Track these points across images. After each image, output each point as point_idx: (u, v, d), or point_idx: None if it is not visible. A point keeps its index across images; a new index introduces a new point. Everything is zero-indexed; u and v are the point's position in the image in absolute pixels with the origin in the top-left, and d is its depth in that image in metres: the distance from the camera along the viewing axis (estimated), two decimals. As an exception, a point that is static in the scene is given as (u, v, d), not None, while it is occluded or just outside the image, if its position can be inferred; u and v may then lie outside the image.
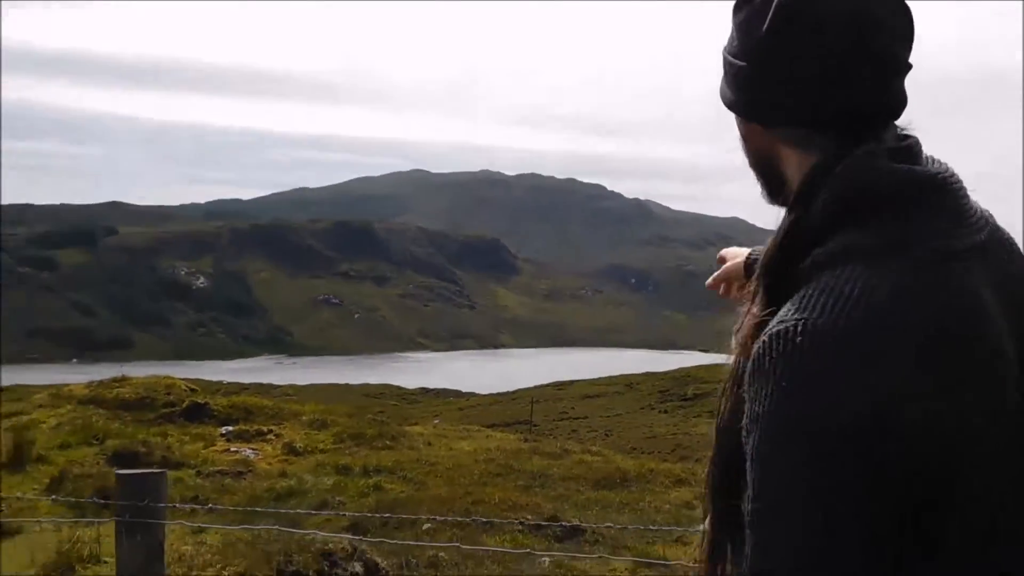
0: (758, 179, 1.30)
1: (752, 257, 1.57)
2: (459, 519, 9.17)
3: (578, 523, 9.57)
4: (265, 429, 13.80)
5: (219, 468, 11.64)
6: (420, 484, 11.18)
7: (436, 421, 21.34)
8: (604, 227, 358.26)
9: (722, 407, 1.20)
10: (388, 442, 13.78)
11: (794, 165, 1.20)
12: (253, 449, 12.87)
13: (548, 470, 12.22)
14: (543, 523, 9.53)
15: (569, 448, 14.72)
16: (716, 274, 1.68)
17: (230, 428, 13.67)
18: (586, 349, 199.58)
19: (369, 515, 9.70)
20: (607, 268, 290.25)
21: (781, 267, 1.15)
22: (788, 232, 1.14)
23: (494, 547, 8.57)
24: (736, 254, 1.67)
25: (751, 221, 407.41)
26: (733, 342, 1.23)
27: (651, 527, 9.20)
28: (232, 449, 12.81)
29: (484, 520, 9.06)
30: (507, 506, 9.76)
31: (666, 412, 57.78)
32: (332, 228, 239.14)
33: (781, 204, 1.22)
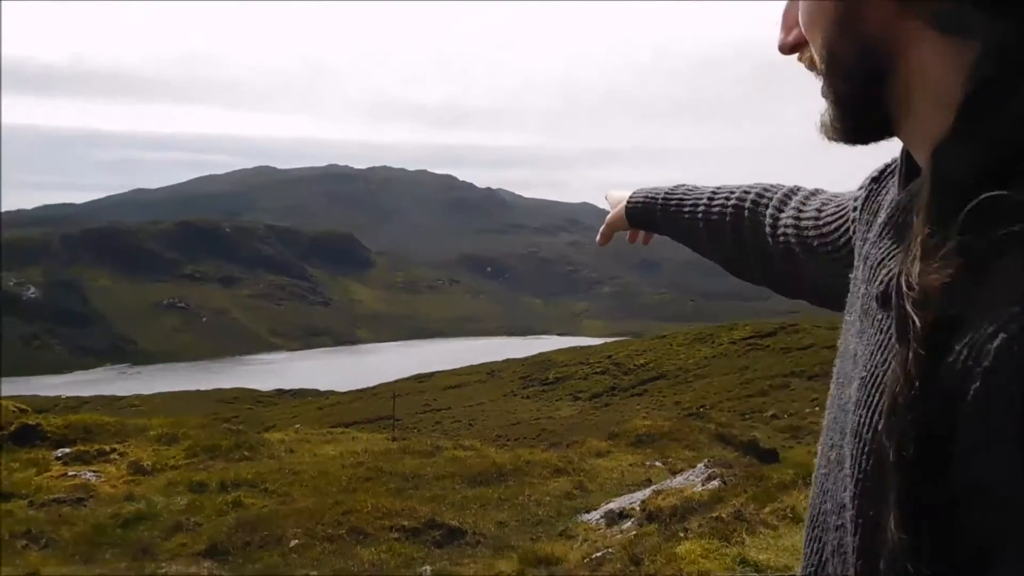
0: (840, 94, 0.82)
1: (635, 199, 1.57)
2: (329, 532, 8.47)
3: (457, 524, 9.03)
4: (107, 448, 12.62)
5: (55, 496, 10.48)
6: (284, 496, 10.38)
7: (297, 426, 20.34)
8: (457, 217, 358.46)
9: (883, 425, 0.61)
10: (246, 452, 12.84)
11: (930, 62, 0.76)
12: (94, 471, 11.70)
13: (420, 470, 11.62)
14: (420, 527, 8.94)
15: (440, 445, 14.13)
16: (601, 229, 1.69)
17: (67, 450, 12.42)
18: (445, 339, 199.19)
19: (229, 535, 8.88)
20: (462, 258, 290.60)
21: (949, 212, 0.67)
22: (967, 161, 0.69)
23: (369, 560, 7.91)
24: (617, 199, 1.64)
25: (601, 206, 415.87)
26: (877, 313, 0.74)
27: (533, 523, 8.75)
28: (70, 473, 11.61)
29: (356, 531, 8.40)
30: (380, 513, 9.10)
31: (529, 397, 58.23)
32: (174, 229, 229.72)
33: (870, 134, 0.83)
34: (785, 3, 1.01)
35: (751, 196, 1.42)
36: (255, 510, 9.77)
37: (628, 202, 1.60)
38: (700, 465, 9.03)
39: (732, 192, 1.47)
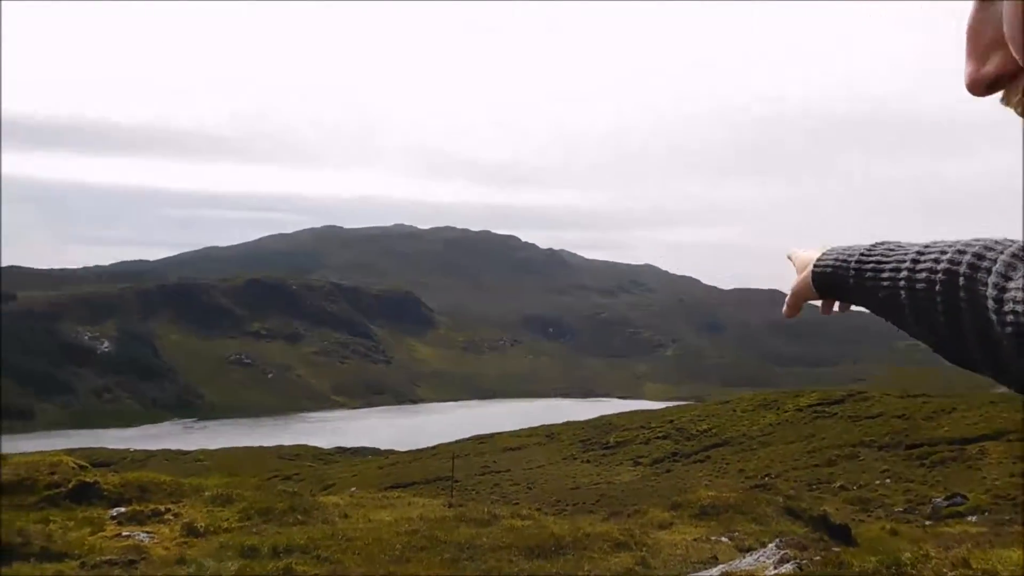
0: None
1: (823, 264, 1.32)
2: (380, 605, 8.13)
3: (514, 602, 8.62)
4: (162, 508, 12.49)
5: (107, 557, 10.34)
6: (336, 564, 10.09)
7: (352, 489, 20.08)
8: (519, 277, 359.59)
9: None
10: (300, 516, 12.61)
11: None
12: (148, 532, 11.57)
13: (476, 540, 11.24)
14: (475, 604, 8.55)
15: (497, 513, 13.73)
16: (787, 299, 1.45)
17: (122, 509, 12.32)
18: (505, 400, 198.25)
19: (278, 605, 8.59)
20: (524, 318, 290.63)
21: None
22: None
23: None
24: (804, 261, 1.38)
25: (662, 267, 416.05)
26: None
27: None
28: (124, 534, 11.49)
29: (408, 605, 8.06)
30: (434, 586, 8.77)
31: (589, 461, 57.53)
32: (243, 286, 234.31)
33: None
34: (971, 18, 0.77)
35: (967, 258, 1.01)
36: (306, 578, 9.50)
37: (815, 267, 1.33)
38: (771, 545, 8.52)
39: (944, 252, 1.06)
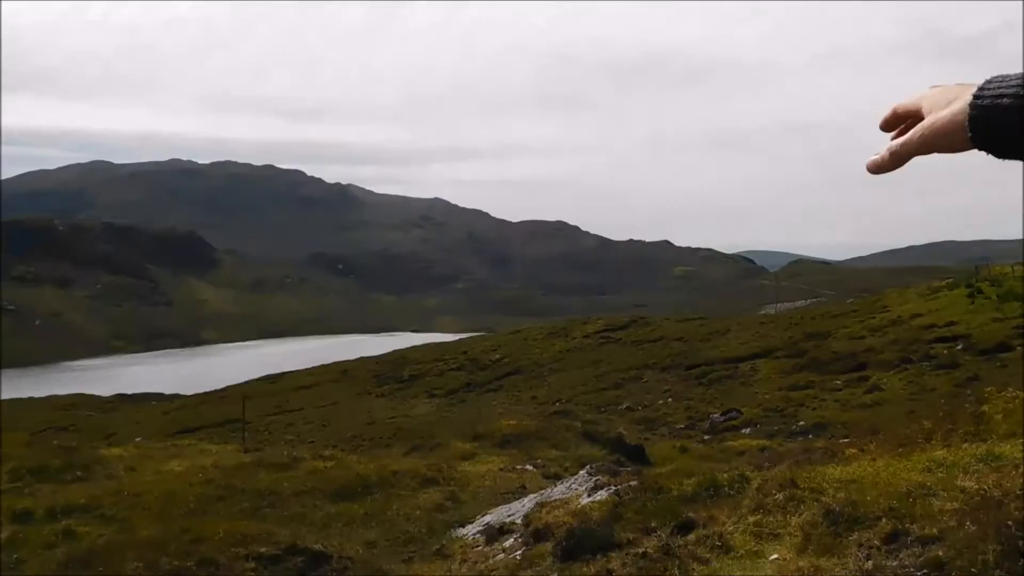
0: None
1: (991, 95, 0.97)
2: (176, 564, 7.51)
3: (321, 548, 8.21)
4: (-86, 475, 11.12)
5: None
6: (124, 523, 9.29)
7: (138, 439, 18.87)
8: (306, 214, 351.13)
9: None
10: (79, 472, 11.58)
11: None
12: (-103, 503, 10.25)
13: (277, 486, 10.69)
14: (280, 554, 8.08)
15: (298, 455, 13.17)
16: (899, 146, 1.09)
17: None
18: (296, 339, 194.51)
19: (58, 573, 7.79)
20: (311, 255, 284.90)
21: None
22: None
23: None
24: (937, 97, 1.05)
25: (453, 201, 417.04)
26: None
27: (404, 542, 8.03)
28: None
29: (207, 562, 7.48)
30: (234, 539, 8.18)
31: (384, 396, 57.36)
32: (1, 228, 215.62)
33: None
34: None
35: None
36: (89, 541, 8.67)
37: (978, 98, 0.98)
38: (583, 472, 8.55)
39: None
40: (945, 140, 1.02)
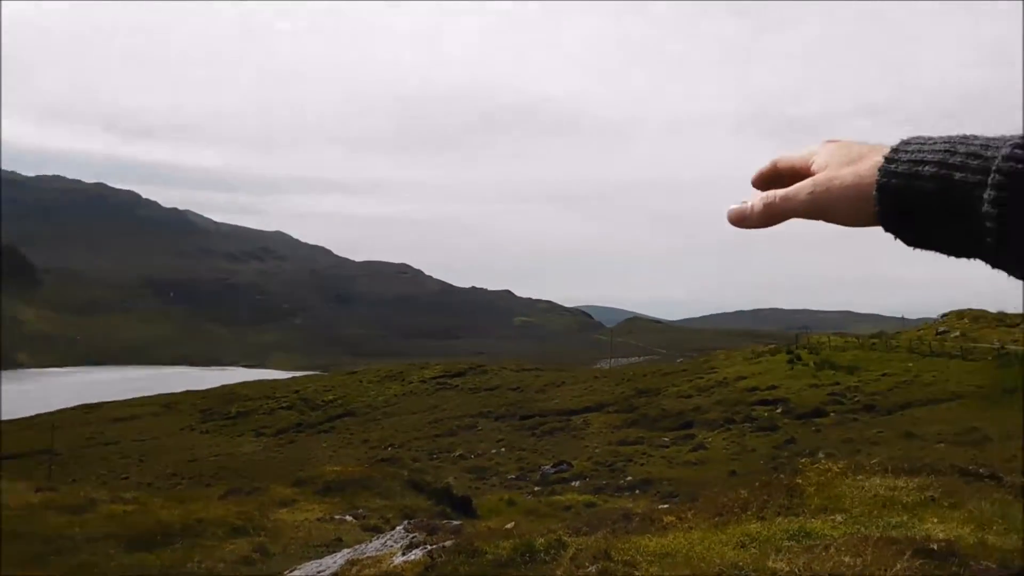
0: None
1: (907, 160, 0.78)
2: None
3: (108, 604, 7.50)
4: None
5: None
6: None
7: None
8: (138, 236, 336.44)
9: None
10: None
11: None
12: None
13: (67, 530, 9.80)
14: (59, 609, 7.32)
15: (96, 497, 12.18)
16: (784, 200, 0.89)
17: None
18: (120, 367, 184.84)
19: None
20: (142, 280, 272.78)
21: None
22: None
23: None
24: (844, 154, 0.85)
25: (296, 235, 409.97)
26: None
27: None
28: None
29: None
30: (9, 591, 7.38)
31: (208, 432, 55.12)
32: None
33: None
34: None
35: None
36: None
37: (889, 162, 0.79)
38: (400, 528, 8.18)
39: None
40: (841, 206, 0.82)
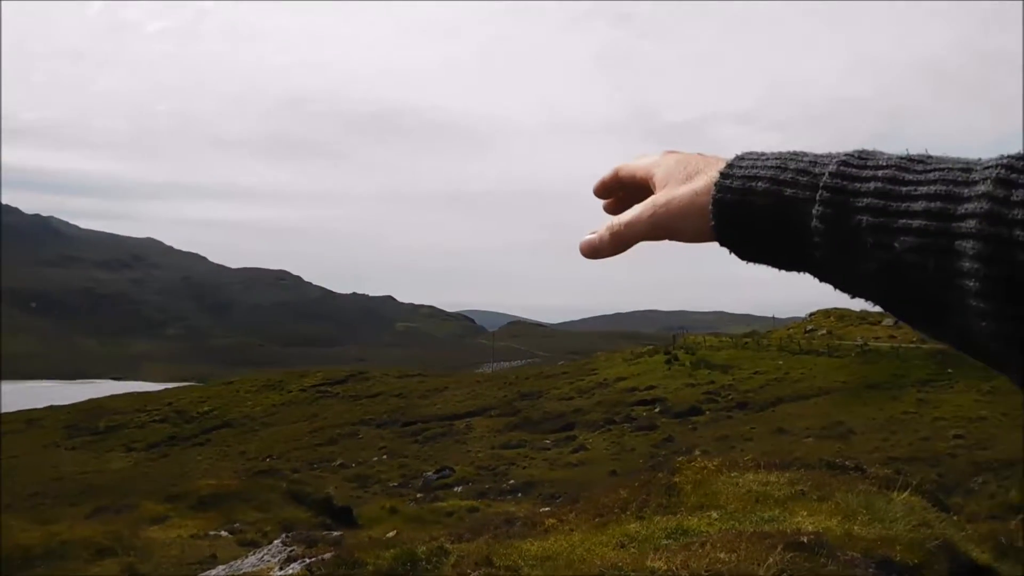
0: None
1: (740, 177, 0.77)
2: None
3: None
4: None
5: None
6: None
7: None
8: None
9: None
10: None
11: None
12: None
13: (-85, 558, 9.16)
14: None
15: (-51, 521, 11.44)
16: (627, 225, 0.85)
17: None
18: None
19: None
20: (3, 290, 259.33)
21: None
22: None
23: None
24: (681, 168, 0.82)
25: (169, 242, 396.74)
26: None
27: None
28: None
29: None
30: None
31: (75, 448, 52.78)
32: None
33: None
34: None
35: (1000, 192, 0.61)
36: None
37: (725, 178, 0.78)
38: (277, 541, 7.95)
39: (967, 176, 0.64)
40: (682, 224, 0.81)
